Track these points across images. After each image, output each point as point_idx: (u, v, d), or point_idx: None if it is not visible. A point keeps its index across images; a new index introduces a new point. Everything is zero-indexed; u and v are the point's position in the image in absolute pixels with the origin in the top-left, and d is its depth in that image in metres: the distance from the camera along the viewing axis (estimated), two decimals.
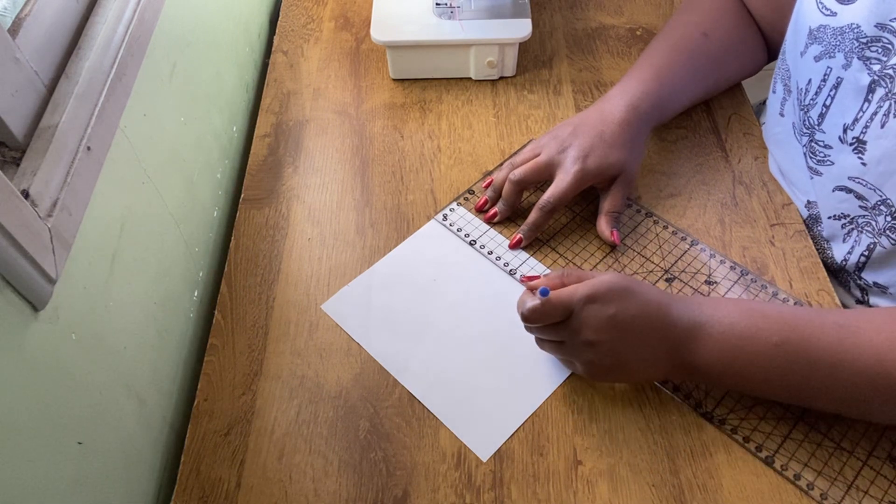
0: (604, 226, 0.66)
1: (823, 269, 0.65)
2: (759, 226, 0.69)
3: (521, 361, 0.60)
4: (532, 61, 0.86)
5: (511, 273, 0.66)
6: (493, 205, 0.70)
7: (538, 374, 0.60)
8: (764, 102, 0.83)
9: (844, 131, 0.60)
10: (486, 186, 0.71)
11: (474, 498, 0.54)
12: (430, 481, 0.55)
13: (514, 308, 0.62)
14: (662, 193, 0.72)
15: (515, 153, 0.75)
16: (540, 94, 0.82)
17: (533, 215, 0.66)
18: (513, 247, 0.67)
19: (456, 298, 0.65)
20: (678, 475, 0.54)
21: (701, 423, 0.57)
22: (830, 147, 0.62)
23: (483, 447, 0.56)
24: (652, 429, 0.57)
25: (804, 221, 0.69)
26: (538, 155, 0.67)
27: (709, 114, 0.79)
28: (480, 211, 0.70)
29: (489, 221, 0.70)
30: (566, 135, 0.67)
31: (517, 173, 0.67)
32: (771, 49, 0.77)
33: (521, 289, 0.61)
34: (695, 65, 0.73)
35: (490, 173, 0.74)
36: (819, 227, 0.67)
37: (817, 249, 0.67)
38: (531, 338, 0.59)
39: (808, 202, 0.68)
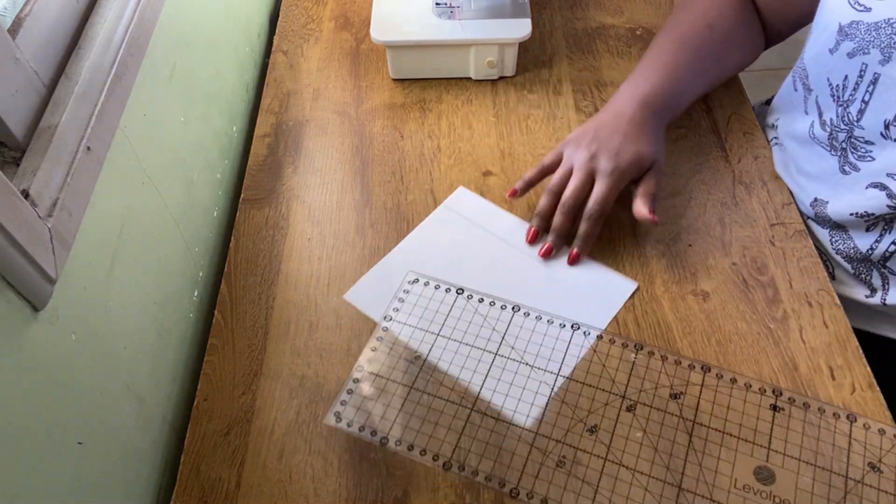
0: (640, 206, 0.65)
1: (823, 269, 0.65)
2: (759, 226, 0.69)
3: (552, 316, 0.62)
4: (532, 61, 0.86)
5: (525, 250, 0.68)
6: (542, 233, 0.68)
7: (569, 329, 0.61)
8: (766, 102, 0.83)
9: (886, 127, 0.60)
10: (511, 195, 0.69)
11: (474, 498, 0.54)
12: (430, 481, 0.55)
13: (535, 280, 0.66)
14: (662, 193, 0.72)
15: (537, 171, 0.71)
16: (540, 94, 0.82)
17: (583, 227, 0.66)
18: (571, 262, 0.66)
19: (475, 275, 0.65)
20: (679, 474, 0.54)
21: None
22: (872, 143, 0.62)
23: (524, 412, 0.56)
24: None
25: (811, 218, 0.69)
26: (570, 169, 0.67)
27: (709, 114, 0.79)
28: (531, 243, 0.68)
29: (545, 256, 0.67)
30: (589, 140, 0.67)
31: (567, 203, 0.66)
32: (769, 36, 0.77)
33: (536, 261, 0.67)
34: (701, 59, 0.73)
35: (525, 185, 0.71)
36: (833, 222, 0.67)
37: (835, 240, 0.67)
38: (555, 296, 0.63)
39: (816, 199, 0.68)
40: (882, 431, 0.54)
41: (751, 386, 0.57)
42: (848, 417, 0.55)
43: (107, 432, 0.50)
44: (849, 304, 0.64)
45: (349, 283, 0.66)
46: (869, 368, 0.58)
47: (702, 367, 0.58)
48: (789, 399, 0.56)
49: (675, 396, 0.56)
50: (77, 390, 0.47)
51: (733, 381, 0.57)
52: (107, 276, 0.52)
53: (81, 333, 0.47)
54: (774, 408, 0.56)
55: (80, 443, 0.46)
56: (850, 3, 0.60)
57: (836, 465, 0.52)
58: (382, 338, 0.62)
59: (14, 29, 0.47)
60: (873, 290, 0.67)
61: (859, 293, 0.68)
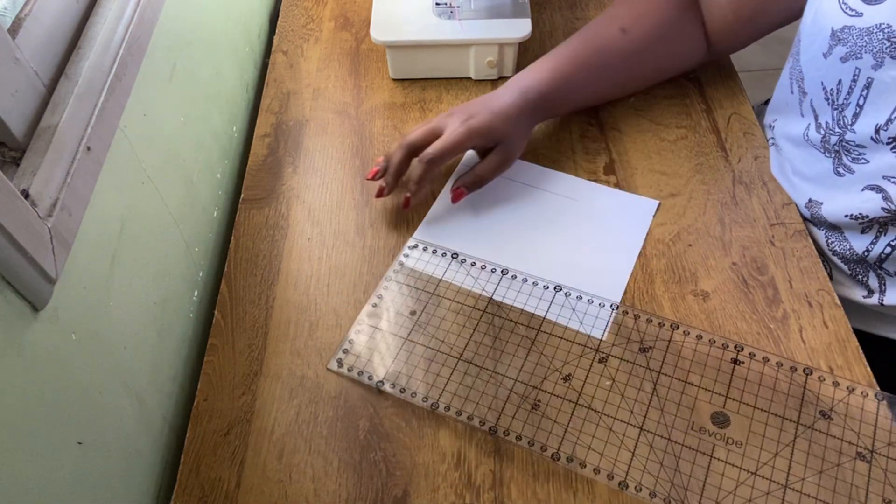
0: (458, 180, 0.69)
1: (823, 269, 0.65)
2: (759, 226, 0.69)
3: (599, 218, 0.70)
4: (532, 61, 0.86)
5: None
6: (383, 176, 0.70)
7: (628, 217, 0.69)
8: (765, 103, 0.83)
9: (877, 132, 0.60)
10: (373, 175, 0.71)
11: (474, 498, 0.54)
12: (430, 481, 0.55)
13: (563, 216, 0.70)
14: (662, 193, 0.72)
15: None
16: None
17: (415, 170, 0.68)
18: (406, 207, 0.69)
19: (508, 218, 0.70)
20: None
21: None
22: (864, 147, 0.62)
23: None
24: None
25: (808, 219, 0.69)
26: (426, 125, 0.70)
27: (709, 114, 0.79)
28: (371, 180, 0.71)
29: (378, 197, 0.70)
30: (456, 109, 0.71)
31: (405, 141, 0.69)
32: (715, 45, 0.78)
33: (557, 196, 0.71)
34: (602, 62, 0.74)
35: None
36: (828, 223, 0.67)
37: (831, 241, 0.68)
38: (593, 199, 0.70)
39: (811, 200, 0.68)
40: (836, 384, 0.57)
41: (714, 342, 0.60)
42: (804, 371, 0.57)
43: (107, 432, 0.50)
44: (847, 305, 0.64)
45: (349, 283, 0.66)
46: (869, 368, 0.58)
47: (671, 325, 0.61)
48: (750, 354, 0.59)
49: (643, 350, 0.60)
50: (77, 390, 0.47)
51: (699, 337, 0.60)
52: (107, 276, 0.52)
53: (81, 333, 0.48)
54: (735, 361, 0.59)
55: (80, 443, 0.46)
56: (841, 7, 0.60)
57: (789, 412, 0.56)
58: (382, 295, 0.65)
59: (14, 29, 0.47)
60: (871, 292, 0.68)
61: (857, 294, 0.68)
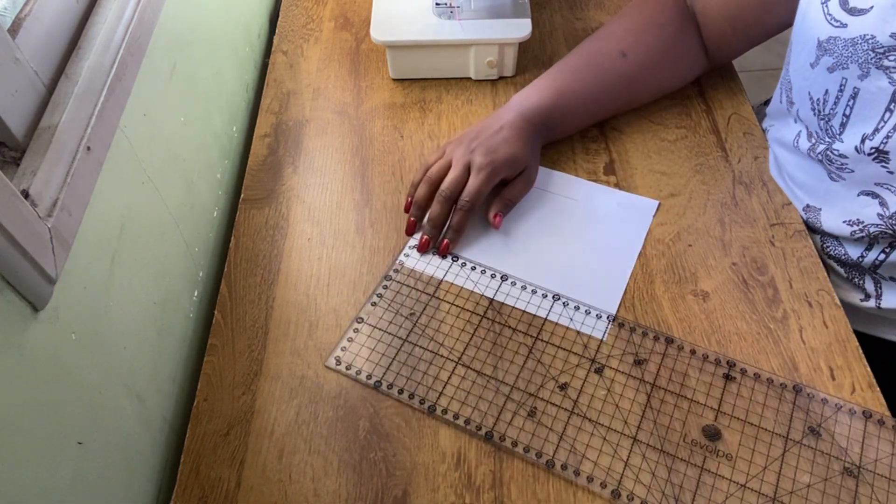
0: (493, 206, 0.69)
1: (823, 270, 0.65)
2: (759, 226, 0.69)
3: (600, 228, 0.69)
4: (532, 61, 0.86)
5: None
6: (420, 223, 0.69)
7: (623, 230, 0.69)
8: (765, 103, 0.83)
9: (862, 141, 0.60)
10: (408, 209, 0.70)
11: (474, 498, 0.54)
12: (430, 481, 0.55)
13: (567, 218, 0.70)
14: (662, 193, 0.72)
15: (422, 173, 0.71)
16: None
17: (455, 217, 0.67)
18: (442, 253, 0.67)
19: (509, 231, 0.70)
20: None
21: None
22: (846, 157, 0.62)
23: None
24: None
25: (805, 221, 0.69)
26: (449, 162, 0.69)
27: (709, 114, 0.79)
28: (410, 234, 0.69)
29: (421, 251, 0.68)
30: (470, 139, 0.70)
31: (444, 192, 0.67)
32: (714, 56, 0.78)
33: (562, 199, 0.71)
34: (603, 85, 0.74)
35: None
36: (826, 229, 0.67)
37: (827, 246, 0.68)
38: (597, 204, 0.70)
39: (808, 206, 0.68)
40: (825, 401, 0.57)
41: (707, 357, 0.60)
42: (794, 388, 0.58)
43: (107, 432, 0.50)
44: (845, 308, 0.64)
45: (349, 283, 0.66)
46: (869, 368, 0.58)
47: (665, 339, 0.61)
48: (741, 370, 0.59)
49: (638, 363, 0.60)
50: (77, 390, 0.47)
51: (692, 352, 0.61)
52: (107, 276, 0.52)
53: (81, 333, 0.47)
54: (727, 377, 0.59)
55: (80, 443, 0.46)
56: (826, 19, 0.60)
57: (779, 427, 0.56)
58: (382, 294, 0.65)
59: (14, 29, 0.47)
60: (867, 295, 0.68)
61: (854, 297, 0.69)
